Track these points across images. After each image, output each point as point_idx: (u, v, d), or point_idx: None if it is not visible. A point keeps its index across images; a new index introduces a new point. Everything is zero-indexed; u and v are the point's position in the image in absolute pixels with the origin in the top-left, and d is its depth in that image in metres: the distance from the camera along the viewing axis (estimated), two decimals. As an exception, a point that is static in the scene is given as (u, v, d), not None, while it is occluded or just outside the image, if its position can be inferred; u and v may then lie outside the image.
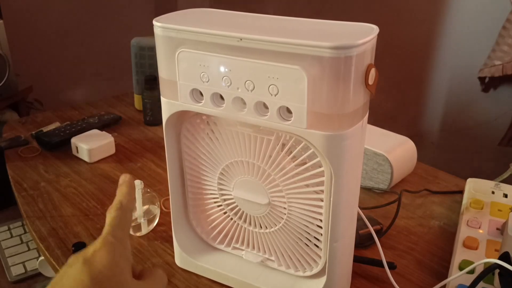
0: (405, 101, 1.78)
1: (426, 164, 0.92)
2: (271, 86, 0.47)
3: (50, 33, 2.00)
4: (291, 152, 0.53)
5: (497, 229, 0.69)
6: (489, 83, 1.53)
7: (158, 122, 1.05)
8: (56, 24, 2.01)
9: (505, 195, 0.76)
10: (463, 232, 0.68)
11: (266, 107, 0.49)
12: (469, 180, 0.81)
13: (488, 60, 1.46)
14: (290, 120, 0.48)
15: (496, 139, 1.49)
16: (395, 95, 1.79)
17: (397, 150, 0.83)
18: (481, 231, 0.68)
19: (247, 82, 0.48)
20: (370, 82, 0.47)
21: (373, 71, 0.47)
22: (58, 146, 0.96)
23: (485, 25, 1.49)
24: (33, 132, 1.01)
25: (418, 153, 0.88)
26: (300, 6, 1.95)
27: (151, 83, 1.04)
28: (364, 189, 0.84)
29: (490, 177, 0.81)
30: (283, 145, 0.53)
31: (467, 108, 1.61)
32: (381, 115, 1.69)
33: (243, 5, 2.13)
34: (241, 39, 0.47)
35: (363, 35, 0.45)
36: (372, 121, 0.90)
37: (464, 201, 0.76)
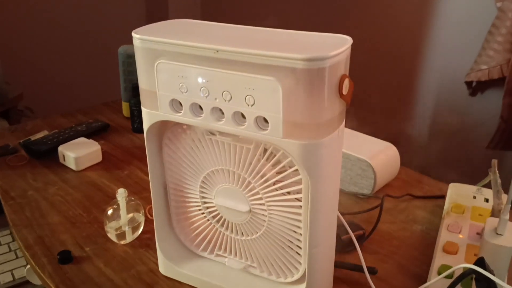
0: (393, 105, 1.80)
1: (411, 168, 0.93)
2: (247, 97, 0.48)
3: (39, 40, 2.00)
4: (273, 157, 0.54)
5: (477, 233, 0.70)
6: (476, 88, 1.55)
7: (146, 129, 1.05)
8: (46, 31, 2.01)
9: (486, 200, 0.78)
10: (444, 236, 0.69)
11: (243, 117, 0.50)
12: (451, 185, 0.83)
13: (474, 65, 1.47)
14: (267, 129, 0.49)
15: (483, 142, 1.50)
16: (383, 99, 1.80)
17: (380, 155, 0.84)
18: (461, 235, 0.69)
19: (224, 92, 0.49)
20: (344, 92, 0.48)
21: (346, 82, 0.48)
22: (46, 154, 0.97)
23: (472, 29, 1.50)
24: (21, 141, 1.01)
25: (406, 157, 0.89)
26: (288, 15, 1.96)
27: (138, 90, 1.04)
28: (348, 195, 0.85)
29: (478, 181, 0.82)
30: (265, 150, 0.54)
31: (454, 112, 1.63)
32: (369, 119, 1.70)
33: (233, 13, 2.14)
34: (217, 51, 0.48)
35: (336, 46, 0.46)
36: (359, 125, 0.91)
37: (446, 205, 0.77)
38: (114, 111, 1.21)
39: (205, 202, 0.61)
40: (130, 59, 1.07)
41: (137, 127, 1.08)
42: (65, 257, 0.69)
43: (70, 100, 2.03)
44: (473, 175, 0.94)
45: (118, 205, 0.71)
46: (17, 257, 1.03)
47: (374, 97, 1.78)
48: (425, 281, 0.63)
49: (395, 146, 0.88)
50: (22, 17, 1.94)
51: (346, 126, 0.71)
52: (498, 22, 1.37)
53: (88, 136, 1.02)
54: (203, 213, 0.62)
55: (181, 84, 0.51)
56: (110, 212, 0.71)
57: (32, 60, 1.99)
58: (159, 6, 2.26)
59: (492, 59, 1.40)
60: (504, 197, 0.70)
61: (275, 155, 0.53)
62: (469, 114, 1.58)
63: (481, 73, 1.44)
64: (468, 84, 1.54)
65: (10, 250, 1.05)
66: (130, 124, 1.12)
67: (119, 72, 1.12)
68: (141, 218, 0.73)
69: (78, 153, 0.92)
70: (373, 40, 1.70)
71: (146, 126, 0.57)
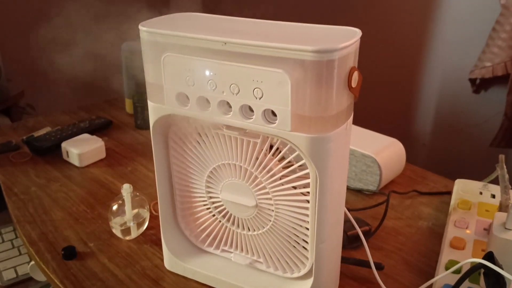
0: (396, 102, 1.79)
1: (415, 165, 0.93)
2: (255, 90, 0.48)
3: (41, 37, 2.00)
4: (279, 152, 0.53)
5: (484, 229, 0.69)
6: (479, 85, 1.54)
7: (149, 126, 1.05)
8: (47, 28, 2.01)
9: (493, 196, 0.77)
10: (450, 232, 0.69)
11: (251, 110, 0.50)
12: (457, 181, 0.82)
13: (478, 62, 1.47)
14: (275, 123, 0.48)
15: (487, 140, 1.50)
16: (386, 97, 1.80)
17: (386, 151, 0.83)
18: (468, 231, 0.69)
19: (232, 85, 0.49)
20: (353, 85, 0.48)
21: (356, 74, 0.47)
22: (49, 151, 0.96)
23: (476, 27, 1.50)
24: (24, 137, 1.01)
25: (410, 155, 0.88)
26: (290, 9, 1.96)
27: (141, 87, 1.04)
28: (354, 191, 0.85)
29: (482, 178, 0.82)
30: (272, 145, 0.53)
31: (458, 109, 1.62)
32: (373, 117, 1.70)
33: (234, 10, 2.14)
34: (225, 43, 0.48)
35: (345, 38, 0.46)
36: (363, 123, 0.91)
37: (452, 201, 0.77)
38: (116, 108, 1.21)
39: (211, 197, 0.61)
40: (133, 56, 1.07)
41: (140, 124, 1.08)
42: (69, 253, 0.68)
43: (72, 98, 2.02)
44: (477, 173, 0.94)
45: (123, 200, 0.70)
46: (20, 254, 1.03)
47: (378, 93, 1.78)
48: (431, 277, 0.63)
49: (400, 142, 0.88)
50: (23, 14, 1.93)
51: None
52: (502, 19, 1.37)
53: (91, 132, 1.01)
54: (208, 208, 0.62)
55: (188, 77, 0.51)
56: (115, 207, 0.71)
57: (33, 58, 1.99)
58: (160, 3, 2.25)
59: (496, 56, 1.39)
60: None
61: (281, 151, 0.53)
62: (473, 111, 1.58)
63: (485, 70, 1.43)
64: (472, 81, 1.54)
65: (13, 247, 1.04)
66: (133, 120, 1.12)
67: (121, 69, 1.11)
68: (146, 213, 0.73)
69: (82, 149, 0.92)
70: (376, 37, 1.70)
71: (152, 120, 0.57)
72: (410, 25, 1.66)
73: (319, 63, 0.44)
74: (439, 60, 1.63)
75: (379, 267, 0.64)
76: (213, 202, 0.61)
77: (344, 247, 0.64)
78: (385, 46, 1.72)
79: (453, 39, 1.57)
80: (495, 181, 0.76)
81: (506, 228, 0.55)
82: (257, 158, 0.54)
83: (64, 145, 0.94)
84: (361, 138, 0.86)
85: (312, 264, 0.56)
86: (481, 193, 0.78)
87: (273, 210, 0.56)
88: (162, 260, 0.67)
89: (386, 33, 1.71)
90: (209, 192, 0.60)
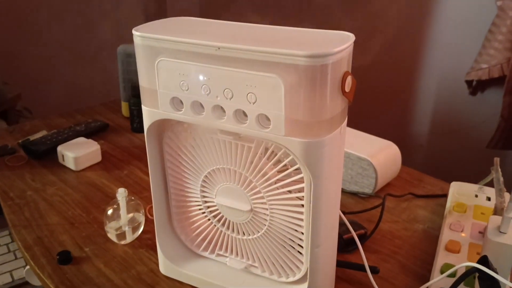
0: (393, 104, 1.79)
1: (411, 168, 0.93)
2: (249, 94, 0.48)
3: (37, 40, 2.00)
4: (274, 156, 0.53)
5: (480, 232, 0.69)
6: (476, 86, 1.54)
7: (145, 129, 1.05)
8: (44, 31, 2.01)
9: (488, 199, 0.77)
10: (446, 235, 0.69)
11: (245, 114, 0.50)
12: (453, 183, 0.82)
13: (475, 64, 1.47)
14: (269, 127, 0.48)
15: (484, 141, 1.50)
16: (383, 99, 1.80)
17: (381, 154, 0.83)
18: (463, 234, 0.69)
19: (225, 90, 0.49)
20: (347, 89, 0.48)
21: (349, 79, 0.47)
22: (45, 154, 0.96)
23: (472, 28, 1.50)
24: (20, 141, 1.01)
25: (406, 157, 0.88)
26: (284, 14, 1.96)
27: (137, 90, 1.04)
28: (350, 194, 0.85)
29: (479, 180, 0.82)
30: (267, 149, 0.53)
31: (455, 111, 1.63)
32: (369, 119, 1.70)
33: (231, 14, 2.14)
34: (219, 48, 0.48)
35: (339, 43, 0.46)
36: (360, 125, 0.91)
37: (448, 204, 0.77)
38: (113, 111, 1.21)
39: (206, 202, 0.61)
40: (129, 59, 1.07)
41: (137, 127, 1.08)
42: (65, 258, 0.68)
43: (69, 101, 2.02)
44: (474, 175, 0.94)
45: (118, 205, 0.70)
46: (16, 258, 1.03)
47: (374, 96, 1.78)
48: (427, 281, 0.63)
49: (395, 145, 0.88)
50: (19, 17, 1.93)
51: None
52: (499, 20, 1.37)
53: (87, 136, 1.01)
54: (204, 213, 0.62)
55: (182, 82, 0.51)
56: (110, 212, 0.70)
57: (30, 61, 1.98)
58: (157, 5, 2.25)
59: (493, 57, 1.40)
60: (507, 195, 0.70)
61: (276, 154, 0.53)
62: (470, 113, 1.58)
63: (482, 72, 1.44)
64: (469, 83, 1.54)
65: (9, 251, 1.04)
66: (129, 124, 1.12)
67: (117, 72, 1.11)
68: (141, 218, 0.73)
69: (77, 153, 0.91)
70: (373, 39, 1.70)
71: (146, 124, 0.57)
72: (407, 27, 1.67)
73: (312, 67, 0.44)
74: (436, 61, 1.63)
75: (374, 270, 0.64)
76: (208, 207, 0.61)
77: (340, 250, 0.64)
78: (382, 47, 1.73)
79: (449, 41, 1.58)
80: (491, 184, 0.76)
81: (500, 232, 0.55)
82: (251, 163, 0.54)
83: (60, 148, 0.93)
84: (356, 141, 0.86)
85: (307, 268, 0.56)
86: (476, 196, 0.78)
87: (268, 215, 0.56)
88: (158, 264, 0.67)
89: (383, 35, 1.71)
90: (204, 197, 0.60)
